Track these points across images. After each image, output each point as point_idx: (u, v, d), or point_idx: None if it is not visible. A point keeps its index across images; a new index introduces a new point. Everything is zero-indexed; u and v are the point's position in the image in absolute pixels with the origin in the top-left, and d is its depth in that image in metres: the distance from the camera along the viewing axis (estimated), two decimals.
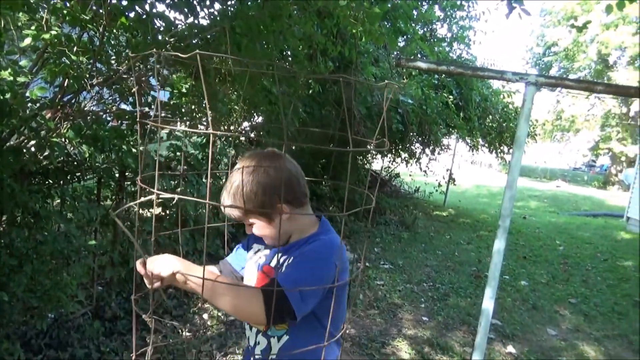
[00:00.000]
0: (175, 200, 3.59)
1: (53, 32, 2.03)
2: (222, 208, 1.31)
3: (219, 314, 3.55)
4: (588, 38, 23.58)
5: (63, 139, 2.36)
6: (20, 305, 2.34)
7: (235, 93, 4.93)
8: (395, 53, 6.18)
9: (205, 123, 4.58)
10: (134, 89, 2.62)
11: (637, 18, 20.24)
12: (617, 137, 23.87)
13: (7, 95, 2.10)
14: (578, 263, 6.73)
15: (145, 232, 3.25)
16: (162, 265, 1.12)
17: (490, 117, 9.32)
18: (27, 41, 2.01)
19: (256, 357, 1.41)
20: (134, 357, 1.27)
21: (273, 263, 1.36)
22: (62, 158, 2.69)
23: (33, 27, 2.04)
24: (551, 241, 8.22)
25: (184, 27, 2.77)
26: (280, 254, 1.36)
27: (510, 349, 3.68)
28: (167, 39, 2.55)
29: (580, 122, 25.77)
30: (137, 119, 1.21)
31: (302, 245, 1.31)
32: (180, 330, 3.25)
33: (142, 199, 1.04)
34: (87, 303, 3.07)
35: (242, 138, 5.58)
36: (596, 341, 4.01)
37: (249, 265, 1.47)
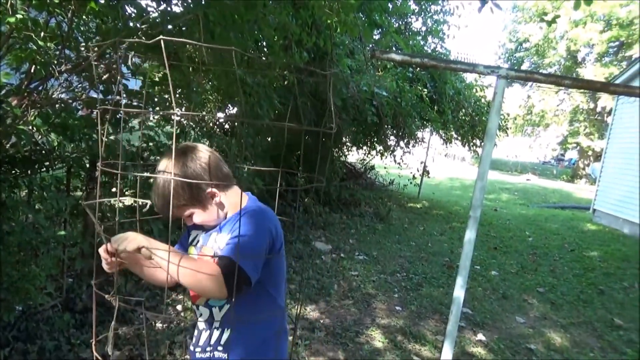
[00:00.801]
0: (134, 181, 3.54)
1: (19, 16, 1.96)
2: (157, 210, 1.37)
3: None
4: (558, 34, 24.15)
5: (30, 127, 2.29)
6: None
7: (210, 84, 4.88)
8: (370, 45, 6.21)
9: (178, 113, 4.53)
10: (104, 77, 2.56)
11: (604, 16, 20.82)
12: (584, 132, 24.56)
13: None
14: (546, 253, 6.93)
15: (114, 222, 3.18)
16: (127, 241, 1.17)
17: (464, 110, 9.47)
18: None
19: (200, 328, 1.48)
20: (93, 343, 1.28)
21: (210, 243, 1.43)
22: (29, 147, 2.61)
23: None
24: (521, 232, 8.43)
25: (156, 14, 2.72)
26: (215, 233, 1.43)
27: (481, 336, 3.77)
28: (138, 25, 2.50)
29: (550, 117, 26.43)
30: (97, 106, 1.20)
31: (234, 219, 1.39)
32: (153, 322, 3.22)
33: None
34: (57, 295, 3.00)
35: (217, 129, 5.52)
36: (562, 328, 4.14)
37: (190, 251, 1.52)
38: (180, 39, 1.08)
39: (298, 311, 1.38)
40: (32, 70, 2.39)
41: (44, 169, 2.70)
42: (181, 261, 1.18)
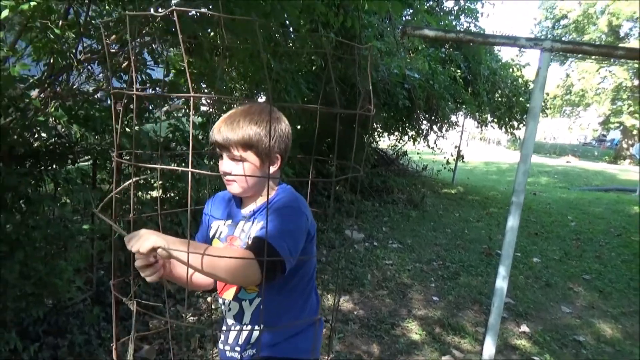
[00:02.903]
0: (156, 173, 3.49)
1: (33, 3, 1.89)
2: (214, 133, 1.24)
3: None
4: (598, 9, 22.99)
5: (52, 119, 2.24)
6: (14, 293, 2.25)
7: (236, 71, 4.79)
8: (400, 27, 5.97)
9: (206, 102, 4.46)
10: (123, 64, 2.48)
11: None
12: (628, 111, 23.41)
13: None
14: (591, 239, 6.59)
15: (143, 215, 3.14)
16: (140, 241, 1.01)
17: (500, 91, 9.08)
18: (5, 13, 1.88)
19: (229, 324, 1.37)
20: (114, 347, 1.18)
21: (237, 232, 1.31)
22: (53, 140, 2.58)
23: None
24: (563, 217, 8.06)
25: None
26: (244, 222, 1.31)
27: (524, 327, 3.57)
28: (159, 10, 2.40)
29: (591, 96, 25.32)
30: (110, 91, 1.10)
31: (264, 209, 1.28)
32: (183, 315, 3.17)
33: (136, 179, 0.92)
34: (87, 288, 2.99)
35: None
36: (612, 318, 3.89)
37: (214, 242, 1.39)
38: (194, 9, 0.96)
39: (335, 303, 1.26)
40: (52, 61, 2.33)
41: (69, 162, 2.66)
42: (208, 258, 1.04)
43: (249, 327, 1.32)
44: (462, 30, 7.42)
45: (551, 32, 26.12)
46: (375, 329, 3.34)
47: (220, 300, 1.38)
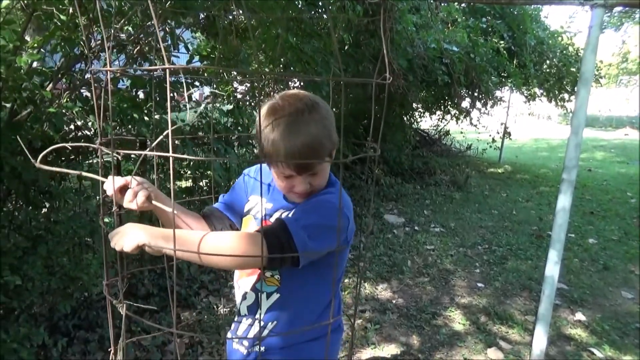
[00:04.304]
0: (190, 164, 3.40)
1: None
2: (288, 153, 1.04)
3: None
4: None
5: (65, 110, 2.17)
6: (38, 288, 2.22)
7: (264, 54, 4.64)
8: None
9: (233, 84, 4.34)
10: (141, 49, 2.38)
11: None
12: None
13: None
14: None
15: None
16: (123, 238, 0.92)
17: (548, 62, 8.51)
18: (5, 2, 1.80)
19: (242, 314, 1.24)
20: (112, 352, 1.09)
21: (273, 219, 1.17)
22: (74, 133, 2.53)
23: None
24: (621, 194, 7.51)
25: None
26: (283, 210, 1.18)
27: (580, 315, 3.29)
28: None
29: None
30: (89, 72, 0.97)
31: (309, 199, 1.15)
32: (215, 306, 3.10)
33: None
34: (116, 281, 2.96)
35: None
36: None
37: (246, 222, 1.26)
38: None
39: (355, 302, 1.12)
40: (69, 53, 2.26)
41: (91, 154, 2.61)
42: (206, 243, 0.93)
43: (262, 322, 1.19)
44: None
45: None
46: (415, 318, 3.15)
47: (236, 286, 1.27)
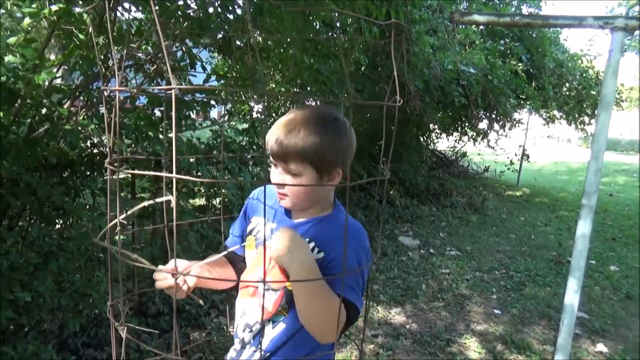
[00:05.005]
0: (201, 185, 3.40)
1: (54, 8, 1.83)
2: (271, 139, 1.09)
3: None
4: None
5: (81, 127, 2.19)
6: (49, 305, 2.22)
7: (280, 74, 4.68)
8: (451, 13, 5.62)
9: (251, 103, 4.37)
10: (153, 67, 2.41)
11: None
12: None
13: (20, 84, 1.96)
14: None
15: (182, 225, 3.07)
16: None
17: (567, 84, 8.42)
18: (27, 21, 1.84)
19: (245, 342, 1.21)
20: None
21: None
22: (90, 150, 2.55)
23: (34, 5, 1.87)
24: None
25: None
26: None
27: (601, 347, 3.16)
28: (185, 11, 2.31)
29: None
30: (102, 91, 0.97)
31: (316, 224, 1.16)
32: (224, 327, 3.06)
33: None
34: (127, 299, 2.94)
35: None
36: None
37: (249, 241, 1.26)
38: None
39: (364, 328, 1.09)
40: (87, 71, 2.29)
41: (106, 170, 2.62)
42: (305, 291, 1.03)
43: (263, 351, 1.16)
44: (517, 13, 6.93)
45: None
46: (429, 345, 3.07)
47: (239, 307, 1.23)
